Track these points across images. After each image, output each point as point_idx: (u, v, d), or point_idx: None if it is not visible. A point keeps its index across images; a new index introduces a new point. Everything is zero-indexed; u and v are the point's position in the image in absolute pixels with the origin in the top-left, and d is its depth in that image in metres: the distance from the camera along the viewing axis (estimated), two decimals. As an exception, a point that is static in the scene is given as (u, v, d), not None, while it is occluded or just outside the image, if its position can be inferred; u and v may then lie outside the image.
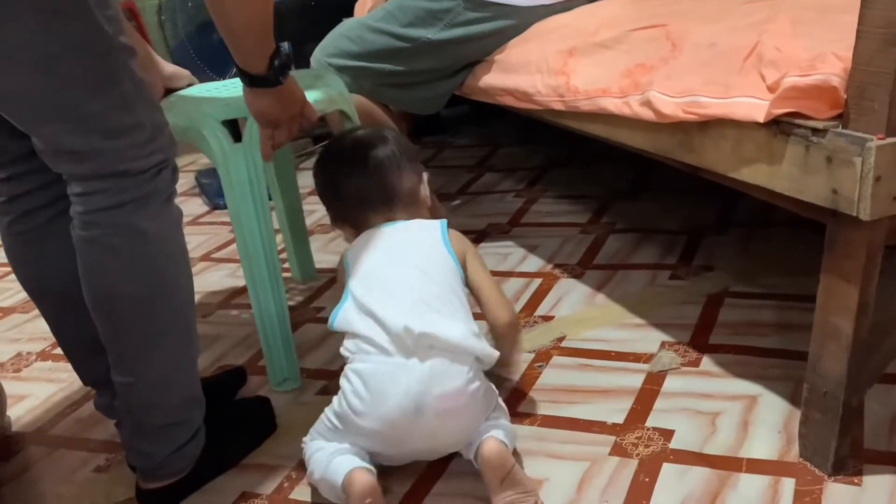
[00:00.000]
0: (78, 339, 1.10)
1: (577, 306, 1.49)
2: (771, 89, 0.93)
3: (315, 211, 2.22)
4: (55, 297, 1.07)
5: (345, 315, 1.06)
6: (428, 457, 1.08)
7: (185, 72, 1.45)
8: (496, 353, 1.05)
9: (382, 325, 1.01)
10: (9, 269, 2.03)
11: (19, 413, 1.37)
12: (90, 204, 0.95)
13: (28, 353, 1.59)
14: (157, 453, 1.06)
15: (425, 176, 1.21)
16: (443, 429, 1.01)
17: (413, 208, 1.18)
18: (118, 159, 0.94)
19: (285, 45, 1.13)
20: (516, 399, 1.22)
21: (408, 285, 1.05)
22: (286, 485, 1.11)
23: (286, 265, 1.75)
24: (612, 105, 1.22)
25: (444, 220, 1.15)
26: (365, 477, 0.97)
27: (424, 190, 1.20)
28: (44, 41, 0.86)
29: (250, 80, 1.09)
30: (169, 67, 1.40)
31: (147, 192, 0.96)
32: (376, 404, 0.99)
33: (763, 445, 1.05)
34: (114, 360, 1.02)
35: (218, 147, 1.22)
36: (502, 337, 1.13)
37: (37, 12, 0.84)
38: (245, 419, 1.23)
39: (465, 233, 1.18)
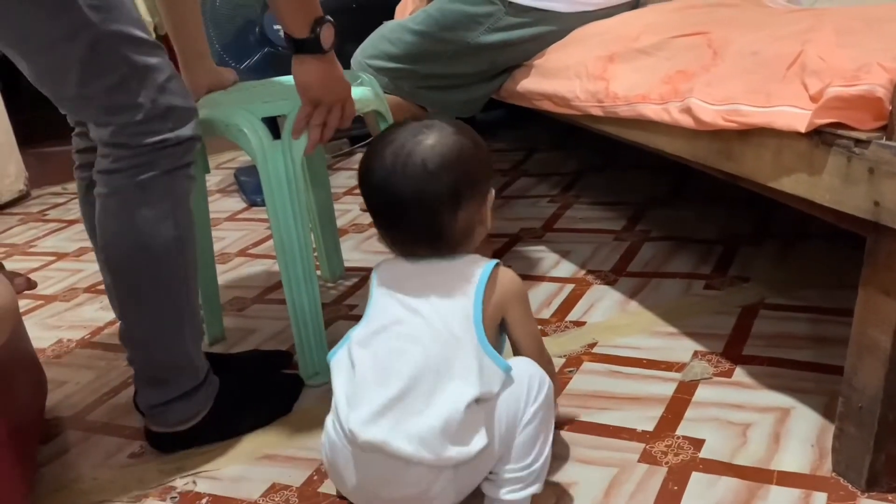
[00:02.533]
0: None
1: (610, 313, 1.49)
2: (814, 99, 0.92)
3: (349, 210, 2.24)
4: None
5: (337, 361, 1.00)
6: None
7: (231, 74, 1.48)
8: (468, 455, 0.90)
9: (341, 406, 0.95)
10: (52, 258, 2.11)
11: (58, 398, 1.41)
12: (99, 165, 1.09)
13: (68, 340, 1.63)
14: (149, 399, 1.18)
15: (491, 194, 1.02)
16: None
17: (465, 243, 1.01)
18: (119, 133, 1.06)
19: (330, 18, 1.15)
20: (546, 402, 1.22)
21: (390, 371, 0.93)
22: (315, 478, 1.12)
23: (316, 263, 1.77)
24: (652, 111, 1.22)
25: (491, 265, 0.98)
26: None
27: (485, 215, 1.01)
28: (44, 29, 0.98)
29: (294, 46, 1.16)
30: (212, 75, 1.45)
31: (141, 163, 1.07)
32: (335, 473, 0.99)
33: (795, 458, 1.04)
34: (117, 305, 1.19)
35: (257, 143, 1.24)
36: None
37: (35, 2, 0.97)
38: (262, 395, 1.28)
39: (497, 237, 1.16)
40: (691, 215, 1.88)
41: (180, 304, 1.14)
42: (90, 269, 2.00)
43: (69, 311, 1.78)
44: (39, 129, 3.72)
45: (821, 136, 0.91)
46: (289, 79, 1.29)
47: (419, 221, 0.96)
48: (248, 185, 2.45)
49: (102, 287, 1.88)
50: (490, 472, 0.96)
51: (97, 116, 1.06)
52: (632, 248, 1.75)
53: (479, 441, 0.91)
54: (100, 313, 1.74)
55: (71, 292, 1.88)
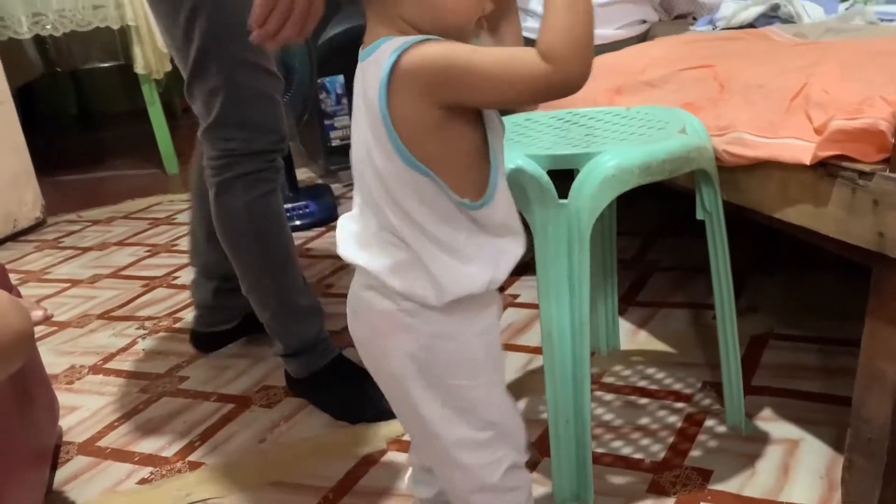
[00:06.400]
0: None
1: (619, 342, 1.49)
2: (818, 131, 0.94)
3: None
4: None
5: None
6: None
7: None
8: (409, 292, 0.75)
9: None
10: (66, 285, 2.13)
11: (70, 423, 1.42)
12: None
13: (81, 366, 1.65)
14: (276, 350, 1.40)
15: None
16: (363, 347, 0.82)
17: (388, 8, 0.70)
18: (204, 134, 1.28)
19: None
20: (554, 432, 1.22)
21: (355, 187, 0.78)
22: (323, 506, 1.12)
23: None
24: (659, 143, 1.23)
25: (395, 55, 0.67)
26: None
27: None
28: (170, 33, 1.23)
29: None
30: None
31: (219, 165, 1.27)
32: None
33: (804, 490, 1.04)
34: None
35: (538, 203, 0.95)
36: None
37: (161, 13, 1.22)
38: (351, 393, 1.33)
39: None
40: (700, 245, 1.88)
41: (265, 289, 1.33)
42: (104, 296, 2.02)
43: (82, 338, 1.79)
44: (56, 157, 3.79)
45: (825, 168, 0.92)
46: (593, 115, 1.13)
47: None
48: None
49: (115, 314, 1.91)
50: None
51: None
52: (641, 277, 1.76)
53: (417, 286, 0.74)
54: (112, 340, 1.76)
55: (84, 319, 1.90)
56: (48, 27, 2.88)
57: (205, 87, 1.21)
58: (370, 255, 0.77)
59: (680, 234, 1.98)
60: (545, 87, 0.65)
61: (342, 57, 2.48)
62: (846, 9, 1.56)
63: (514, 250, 0.77)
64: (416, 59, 0.66)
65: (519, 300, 1.70)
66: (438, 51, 0.67)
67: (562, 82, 0.65)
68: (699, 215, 1.14)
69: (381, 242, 0.76)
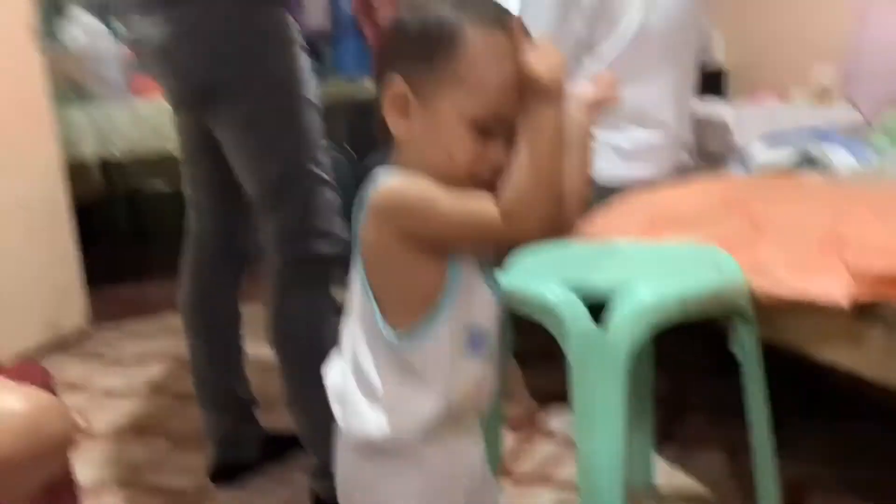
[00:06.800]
0: None
1: (654, 479, 1.45)
2: (853, 274, 0.95)
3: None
4: None
5: None
6: None
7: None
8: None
9: None
10: (102, 395, 2.14)
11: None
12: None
13: (110, 479, 1.64)
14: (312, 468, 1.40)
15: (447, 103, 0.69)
16: None
17: (401, 153, 0.73)
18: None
19: None
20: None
21: None
22: None
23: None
24: (693, 279, 1.25)
25: (381, 180, 0.70)
26: None
27: (434, 122, 0.69)
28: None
29: None
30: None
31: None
32: None
33: None
34: None
35: (575, 333, 0.96)
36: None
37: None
38: None
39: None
40: (737, 383, 1.86)
41: (315, 398, 1.31)
42: (137, 409, 2.04)
43: (113, 450, 1.79)
44: (105, 269, 3.90)
45: (862, 309, 0.93)
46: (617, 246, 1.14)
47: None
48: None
49: (147, 427, 1.91)
50: None
51: None
52: (677, 416, 1.72)
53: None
54: (142, 453, 1.76)
55: (116, 431, 1.90)
56: (113, 150, 3.05)
57: (278, 202, 1.28)
58: (337, 374, 0.78)
59: (716, 372, 1.95)
60: (499, 239, 0.69)
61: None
62: (877, 157, 1.60)
63: (431, 409, 0.72)
64: (386, 188, 0.70)
65: (553, 432, 1.67)
66: (406, 185, 0.69)
67: (516, 239, 0.69)
68: (735, 352, 1.13)
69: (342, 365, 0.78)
